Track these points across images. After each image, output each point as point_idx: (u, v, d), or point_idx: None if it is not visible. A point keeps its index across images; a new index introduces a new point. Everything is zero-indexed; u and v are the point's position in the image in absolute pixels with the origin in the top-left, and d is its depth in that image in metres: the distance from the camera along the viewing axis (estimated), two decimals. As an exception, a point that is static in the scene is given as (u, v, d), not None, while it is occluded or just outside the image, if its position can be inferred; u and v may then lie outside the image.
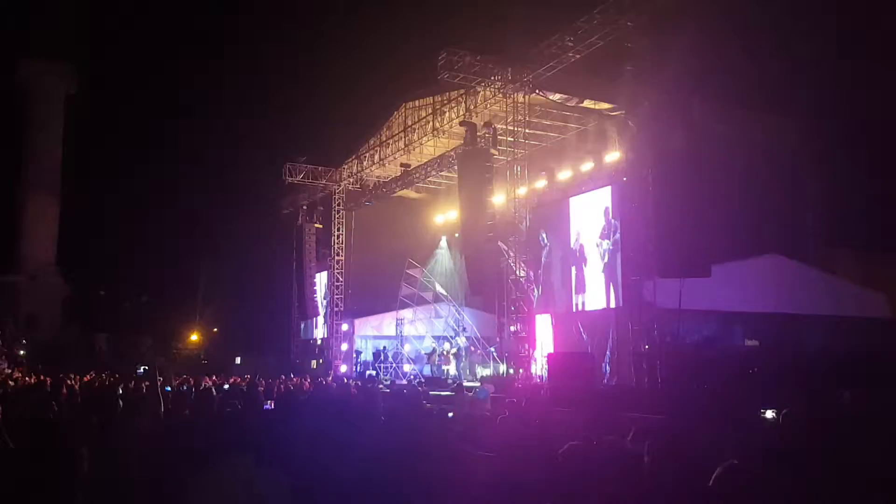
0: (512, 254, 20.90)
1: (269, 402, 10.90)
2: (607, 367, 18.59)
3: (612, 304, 18.97)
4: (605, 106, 20.84)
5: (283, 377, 22.59)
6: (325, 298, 31.92)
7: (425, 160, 26.03)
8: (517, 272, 20.54)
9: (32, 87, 38.91)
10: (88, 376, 21.44)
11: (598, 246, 19.55)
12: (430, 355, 25.94)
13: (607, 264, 19.20)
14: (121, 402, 10.26)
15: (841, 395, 10.70)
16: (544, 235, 21.37)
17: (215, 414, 8.20)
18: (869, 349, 15.32)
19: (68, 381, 16.70)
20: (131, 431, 6.10)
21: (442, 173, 26.02)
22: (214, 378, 21.25)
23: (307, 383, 19.94)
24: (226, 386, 16.82)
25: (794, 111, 20.55)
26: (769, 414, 9.96)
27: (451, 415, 9.54)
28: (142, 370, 25.56)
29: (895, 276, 19.92)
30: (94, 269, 40.75)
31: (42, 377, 19.33)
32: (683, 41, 15.24)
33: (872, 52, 17.90)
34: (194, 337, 40.90)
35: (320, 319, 32.76)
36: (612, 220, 19.01)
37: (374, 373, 26.44)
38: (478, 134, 20.92)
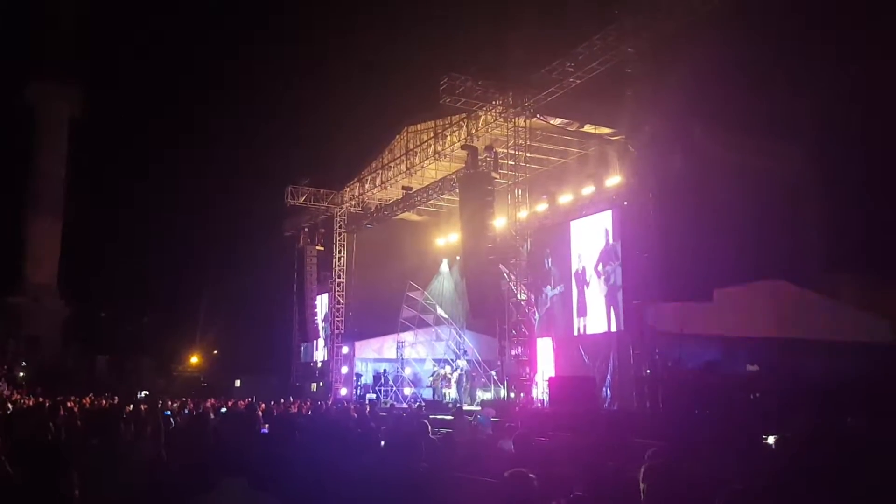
0: (513, 277, 20.89)
1: (266, 425, 10.82)
2: (608, 392, 18.50)
3: (613, 328, 18.92)
4: (606, 130, 20.94)
5: (283, 400, 22.51)
6: (325, 321, 31.86)
7: (427, 183, 26.11)
8: (518, 295, 20.52)
9: (37, 110, 39.22)
10: (88, 398, 21.37)
11: (598, 269, 19.54)
12: (433, 380, 25.84)
13: (608, 288, 19.18)
14: (122, 425, 10.20)
15: (844, 422, 10.64)
16: (549, 260, 21.34)
17: (213, 437, 8.16)
18: (871, 375, 15.23)
19: (68, 404, 16.64)
20: (132, 455, 6.07)
21: (443, 196, 26.09)
22: (213, 401, 21.20)
23: (305, 407, 19.85)
24: (223, 409, 16.73)
25: (796, 136, 20.62)
26: (771, 440, 9.88)
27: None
28: (143, 394, 25.52)
29: (898, 302, 19.86)
30: (95, 291, 40.76)
31: (41, 399, 19.28)
32: (683, 67, 15.34)
33: (875, 78, 17.99)
34: (194, 359, 40.82)
35: (321, 342, 32.68)
36: (613, 244, 19.02)
37: (374, 396, 26.34)
38: (479, 157, 21.00)
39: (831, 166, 19.63)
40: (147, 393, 26.76)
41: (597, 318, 19.66)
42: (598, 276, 19.52)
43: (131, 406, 15.67)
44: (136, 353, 37.12)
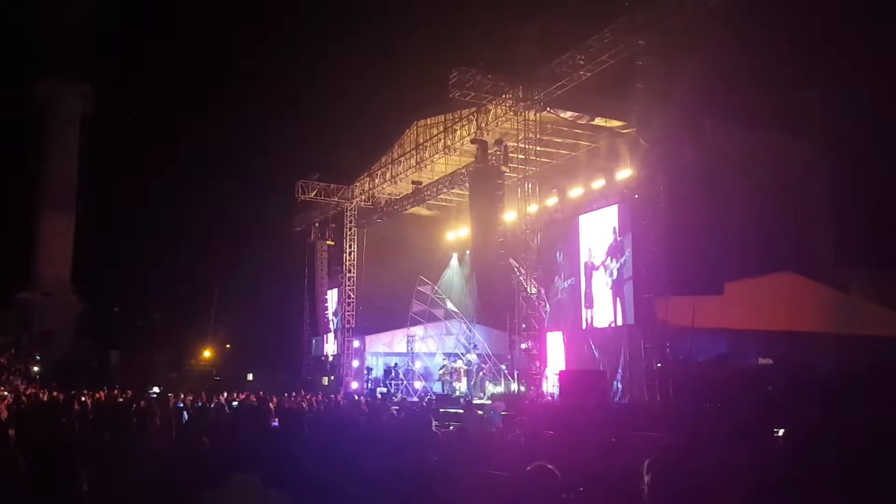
0: (523, 271, 20.88)
1: (277, 419, 10.90)
2: (619, 385, 18.52)
3: (619, 321, 18.94)
4: (617, 123, 20.86)
5: (294, 393, 22.61)
6: (336, 315, 31.94)
7: (437, 178, 26.12)
8: (528, 289, 20.51)
9: (49, 107, 39.38)
10: (101, 393, 21.54)
11: (606, 263, 19.55)
12: (443, 373, 25.87)
13: (615, 281, 19.19)
14: (134, 420, 10.26)
15: (854, 416, 10.57)
16: (560, 254, 21.33)
17: (224, 431, 8.21)
18: (882, 368, 15.15)
19: (81, 398, 16.79)
20: (143, 449, 6.11)
21: (453, 191, 26.08)
22: (226, 395, 21.32)
23: (315, 400, 19.93)
24: (235, 403, 16.83)
25: (806, 130, 20.53)
26: (781, 433, 9.86)
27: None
28: (155, 390, 25.69)
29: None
30: (108, 286, 40.99)
31: (55, 394, 19.47)
32: (694, 60, 15.27)
33: (888, 72, 17.87)
34: (207, 353, 41.02)
35: (331, 336, 32.79)
36: (620, 238, 19.02)
37: (384, 390, 26.42)
38: (489, 151, 20.98)
39: (842, 160, 19.53)
40: (159, 389, 26.96)
41: (604, 311, 19.68)
42: (605, 270, 19.53)
43: (142, 401, 15.80)
44: (148, 348, 37.37)
